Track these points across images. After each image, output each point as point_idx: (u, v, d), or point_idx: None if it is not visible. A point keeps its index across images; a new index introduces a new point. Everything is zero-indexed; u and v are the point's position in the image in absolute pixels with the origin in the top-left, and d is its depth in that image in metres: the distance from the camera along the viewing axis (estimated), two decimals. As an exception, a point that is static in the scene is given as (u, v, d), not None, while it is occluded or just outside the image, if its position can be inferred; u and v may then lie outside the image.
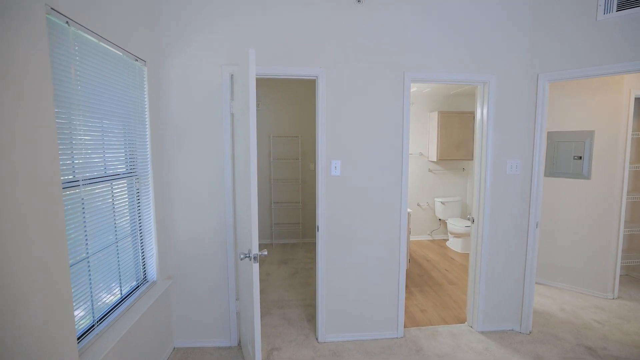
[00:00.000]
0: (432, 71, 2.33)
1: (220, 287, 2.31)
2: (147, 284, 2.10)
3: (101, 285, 1.64)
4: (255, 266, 1.68)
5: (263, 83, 4.67)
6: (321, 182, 2.30)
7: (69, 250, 1.36)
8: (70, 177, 1.39)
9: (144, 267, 2.10)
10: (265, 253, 1.70)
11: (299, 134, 4.78)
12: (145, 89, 2.01)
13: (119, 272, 1.82)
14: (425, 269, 3.94)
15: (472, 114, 4.78)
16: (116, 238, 1.80)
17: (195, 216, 2.26)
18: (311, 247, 4.73)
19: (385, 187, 2.37)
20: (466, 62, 2.35)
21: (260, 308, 2.92)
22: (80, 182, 1.43)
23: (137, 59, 1.89)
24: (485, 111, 2.41)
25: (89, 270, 1.53)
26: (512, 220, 2.49)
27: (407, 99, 2.32)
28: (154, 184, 2.11)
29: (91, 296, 1.54)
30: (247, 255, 1.72)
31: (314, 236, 4.96)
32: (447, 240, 5.08)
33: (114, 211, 1.77)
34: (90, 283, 1.54)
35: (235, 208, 2.29)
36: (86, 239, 1.51)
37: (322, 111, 2.25)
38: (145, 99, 2.02)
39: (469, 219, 2.66)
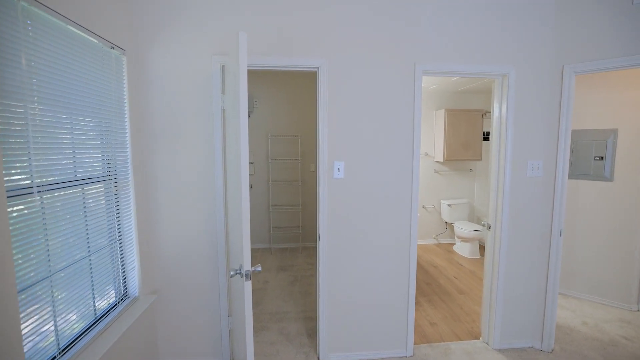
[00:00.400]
0: (445, 62, 2.10)
1: (212, 302, 2.09)
2: (128, 300, 1.87)
3: (69, 306, 1.41)
4: (248, 284, 1.46)
5: (260, 78, 4.44)
6: (323, 186, 2.07)
7: (23, 271, 1.13)
8: (28, 182, 1.17)
9: (125, 282, 1.88)
10: (259, 269, 1.48)
11: (299, 133, 4.55)
12: (124, 82, 1.79)
13: (92, 289, 1.60)
14: (432, 276, 3.71)
15: (481, 112, 4.55)
16: (89, 251, 1.57)
17: (183, 223, 2.03)
18: (312, 252, 4.50)
19: (394, 191, 2.14)
20: (483, 52, 2.12)
21: (257, 321, 2.69)
22: (35, 189, 1.20)
23: (113, 46, 1.66)
24: (504, 107, 2.18)
25: (52, 291, 1.31)
26: (533, 227, 2.26)
27: (419, 93, 2.09)
28: (135, 188, 1.88)
29: (54, 321, 1.32)
30: (238, 271, 1.49)
31: (314, 240, 4.73)
32: (454, 244, 4.85)
33: (86, 220, 1.54)
34: (54, 306, 1.32)
35: (228, 215, 2.07)
36: (48, 255, 1.28)
37: (323, 107, 2.03)
38: (125, 93, 1.79)
39: (483, 225, 2.44)
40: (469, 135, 4.58)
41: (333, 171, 2.07)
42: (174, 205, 2.01)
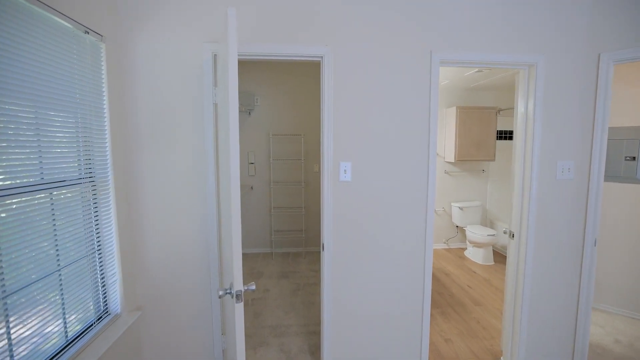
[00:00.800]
0: (465, 51, 1.86)
1: (203, 319, 1.88)
2: (109, 318, 1.67)
3: (33, 330, 1.21)
4: (239, 306, 1.24)
5: (261, 73, 4.23)
6: (327, 190, 1.85)
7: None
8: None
9: (105, 297, 1.67)
10: (253, 288, 1.26)
11: (302, 132, 4.34)
12: (102, 72, 1.58)
13: (63, 308, 1.39)
14: (444, 285, 3.47)
15: (495, 110, 4.30)
16: (59, 264, 1.37)
17: (172, 232, 1.82)
18: (315, 257, 4.28)
19: (407, 196, 1.91)
20: (507, 39, 1.88)
21: (256, 336, 2.48)
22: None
23: (88, 31, 1.46)
24: (530, 101, 1.94)
25: (6, 315, 1.10)
26: (563, 236, 2.01)
27: (435, 86, 1.86)
28: (116, 191, 1.68)
29: (10, 353, 1.11)
30: (228, 291, 1.28)
31: (318, 245, 4.51)
32: (466, 249, 4.60)
33: (54, 229, 1.34)
34: (8, 334, 1.11)
35: (220, 222, 1.85)
36: (2, 274, 1.08)
37: (328, 101, 1.81)
38: (103, 85, 1.59)
39: (505, 233, 2.20)
40: (482, 134, 4.32)
41: (339, 173, 1.85)
42: (162, 211, 1.80)
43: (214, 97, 1.76)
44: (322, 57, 1.78)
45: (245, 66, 4.20)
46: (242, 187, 4.22)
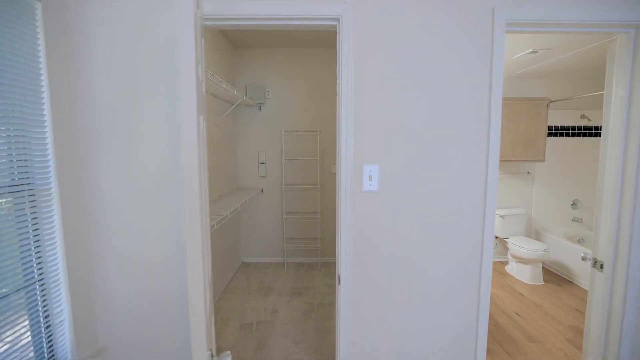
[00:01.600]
0: (541, 5, 1.31)
1: (182, 367, 1.44)
2: (54, 370, 1.27)
3: None
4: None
5: (272, 62, 3.79)
6: (345, 203, 1.36)
7: None
8: None
9: (51, 343, 1.27)
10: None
11: (318, 128, 3.86)
12: (38, 42, 1.17)
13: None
14: (486, 311, 2.88)
15: (546, 101, 3.63)
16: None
17: (140, 252, 1.40)
18: (331, 270, 3.79)
19: (453, 213, 1.39)
20: (606, -9, 1.31)
21: (256, 376, 2.03)
22: None
23: (8, -21, 1.05)
24: (637, 79, 1.36)
25: None
26: (681, 271, 1.42)
27: (499, 60, 1.32)
28: (63, 204, 1.27)
29: None
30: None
31: (335, 255, 4.02)
32: (507, 263, 3.96)
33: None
34: None
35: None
36: None
37: (347, 82, 1.32)
38: (40, 60, 1.18)
39: (584, 259, 1.63)
40: (530, 130, 3.67)
41: (361, 180, 1.36)
42: (127, 227, 1.38)
43: (199, 74, 1.31)
44: (338, 19, 1.29)
45: (254, 54, 3.78)
46: (251, 189, 3.80)
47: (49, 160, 1.23)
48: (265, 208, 3.99)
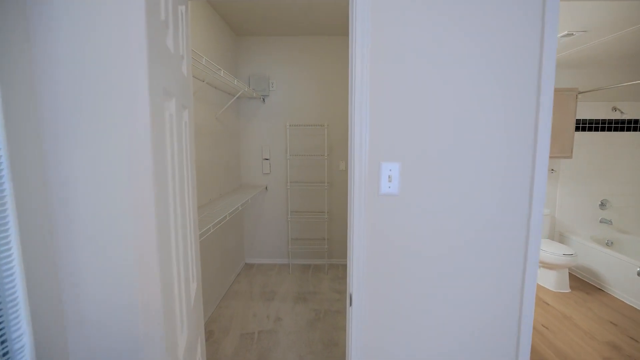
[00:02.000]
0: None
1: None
2: (14, 404, 1.07)
3: None
4: None
5: (277, 51, 3.55)
6: (358, 209, 1.12)
7: None
8: None
9: (8, 371, 1.08)
10: None
11: (326, 122, 3.62)
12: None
13: None
14: (509, 322, 2.63)
15: (574, 92, 3.32)
16: None
17: (118, 270, 1.19)
18: (340, 273, 3.57)
19: (493, 221, 1.14)
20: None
21: (255, 397, 1.83)
22: None
23: None
24: None
25: None
26: None
27: (552, 38, 1.06)
28: (19, 208, 1.06)
29: None
30: None
31: (343, 256, 3.80)
32: (528, 268, 3.68)
33: None
34: None
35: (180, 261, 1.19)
36: None
37: (361, 61, 1.07)
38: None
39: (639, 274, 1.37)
40: (557, 123, 3.36)
41: (379, 180, 1.12)
42: (102, 236, 1.17)
43: (171, 46, 1.08)
44: (353, -18, 1.05)
45: (258, 43, 3.54)
46: (255, 187, 3.59)
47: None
48: (270, 207, 3.78)
